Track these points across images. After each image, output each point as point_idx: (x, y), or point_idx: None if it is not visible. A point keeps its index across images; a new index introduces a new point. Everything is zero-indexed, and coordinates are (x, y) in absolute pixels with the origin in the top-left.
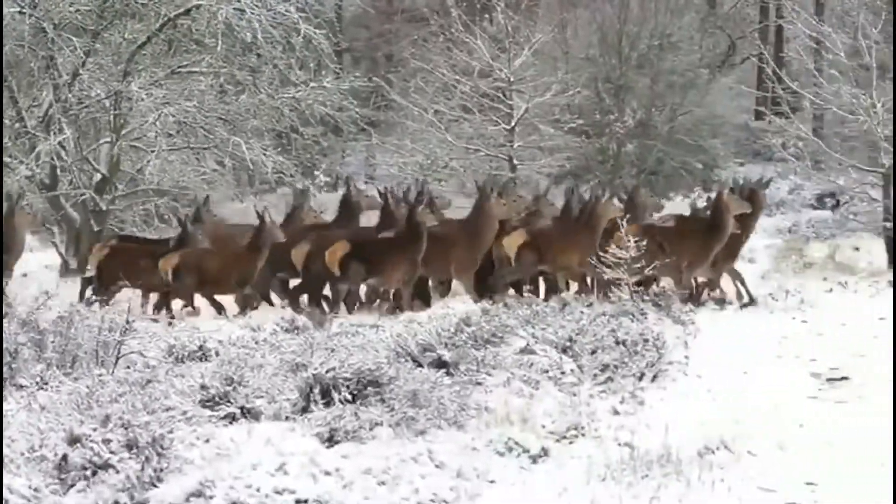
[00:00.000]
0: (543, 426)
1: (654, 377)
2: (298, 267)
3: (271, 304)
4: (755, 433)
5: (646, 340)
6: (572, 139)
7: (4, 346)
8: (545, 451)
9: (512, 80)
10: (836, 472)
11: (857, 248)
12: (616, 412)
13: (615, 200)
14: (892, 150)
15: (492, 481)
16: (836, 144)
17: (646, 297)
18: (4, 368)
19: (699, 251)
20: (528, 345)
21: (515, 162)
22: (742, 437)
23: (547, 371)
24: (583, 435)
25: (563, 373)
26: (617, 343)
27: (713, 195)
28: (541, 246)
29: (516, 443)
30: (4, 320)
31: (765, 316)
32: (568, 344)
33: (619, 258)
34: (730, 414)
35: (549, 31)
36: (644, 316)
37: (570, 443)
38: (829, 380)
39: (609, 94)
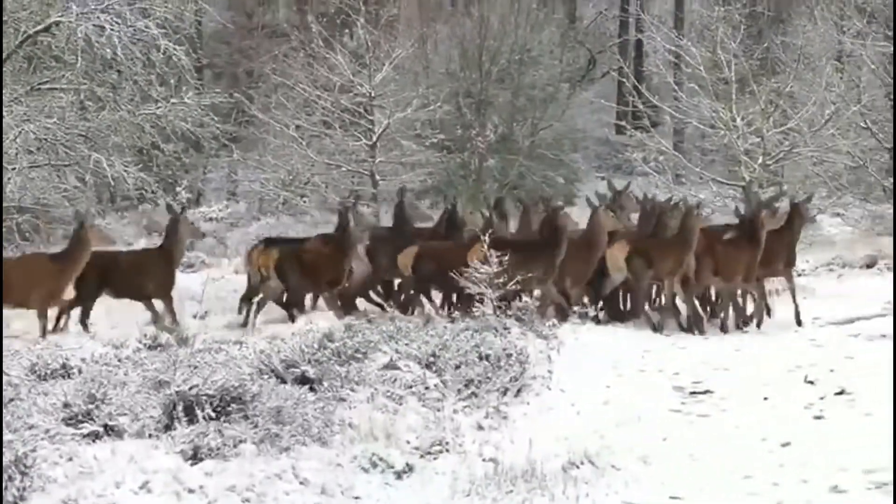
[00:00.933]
0: (408, 442)
1: (518, 392)
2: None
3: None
4: (619, 447)
5: (509, 355)
6: (434, 154)
7: None
8: (410, 467)
9: (373, 95)
10: (700, 485)
11: None
12: (480, 427)
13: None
14: (751, 164)
15: (356, 497)
16: (696, 158)
17: (509, 313)
18: None
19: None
20: (391, 360)
21: (377, 178)
22: (606, 451)
23: (411, 387)
24: (447, 450)
25: (427, 388)
26: (480, 358)
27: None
28: None
29: (381, 458)
30: None
31: (628, 330)
32: (432, 359)
33: (483, 273)
34: (593, 428)
35: (410, 46)
36: (507, 331)
37: (435, 458)
38: (691, 393)
39: (470, 109)
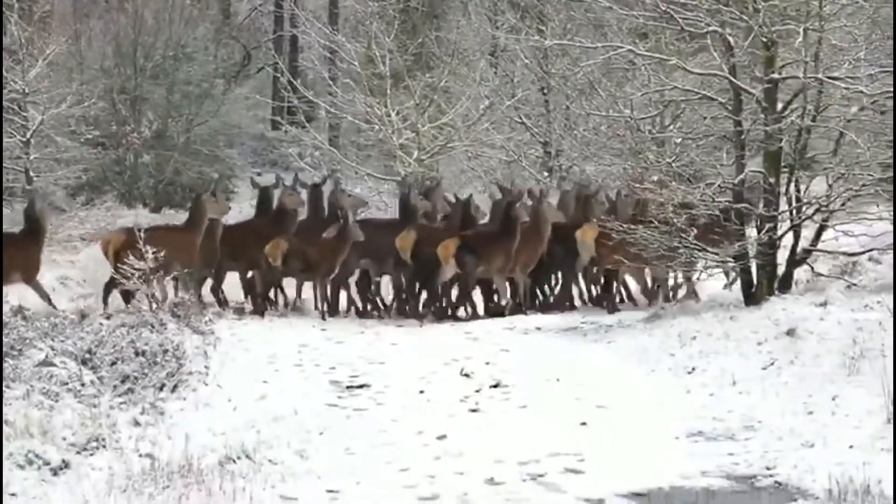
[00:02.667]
0: (64, 438)
1: (175, 388)
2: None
3: None
4: (276, 442)
5: (165, 351)
6: (89, 150)
7: None
8: (66, 464)
9: (26, 91)
10: (357, 478)
11: None
12: (137, 423)
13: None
14: (407, 159)
15: (12, 494)
16: (352, 153)
17: (164, 308)
18: None
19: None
20: (47, 357)
21: (32, 174)
22: (263, 445)
23: (66, 383)
24: (104, 447)
25: (83, 384)
26: (137, 354)
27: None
28: None
29: (36, 455)
30: None
31: (285, 325)
32: (87, 356)
33: (137, 268)
34: (250, 423)
35: (64, 42)
36: (164, 326)
37: (91, 454)
38: (348, 387)
39: (125, 105)
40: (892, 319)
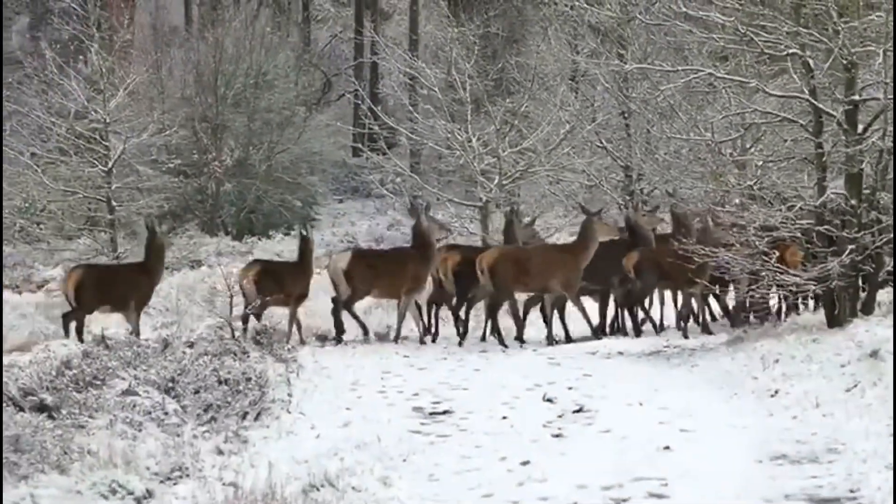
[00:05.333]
0: (147, 468)
1: (258, 416)
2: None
3: None
4: (359, 469)
5: (248, 379)
6: (171, 179)
7: None
8: (149, 493)
9: (108, 120)
10: None
11: None
12: (220, 452)
13: None
14: (488, 184)
15: None
16: (433, 179)
17: (247, 337)
18: None
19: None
20: (130, 386)
21: (114, 203)
22: (346, 473)
23: (150, 412)
24: (187, 475)
25: (165, 413)
26: (220, 382)
27: None
28: None
29: (120, 485)
30: None
31: (368, 352)
32: (170, 384)
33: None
34: (333, 450)
35: (144, 71)
36: (246, 354)
37: (175, 484)
38: (431, 413)
39: (206, 134)
40: None
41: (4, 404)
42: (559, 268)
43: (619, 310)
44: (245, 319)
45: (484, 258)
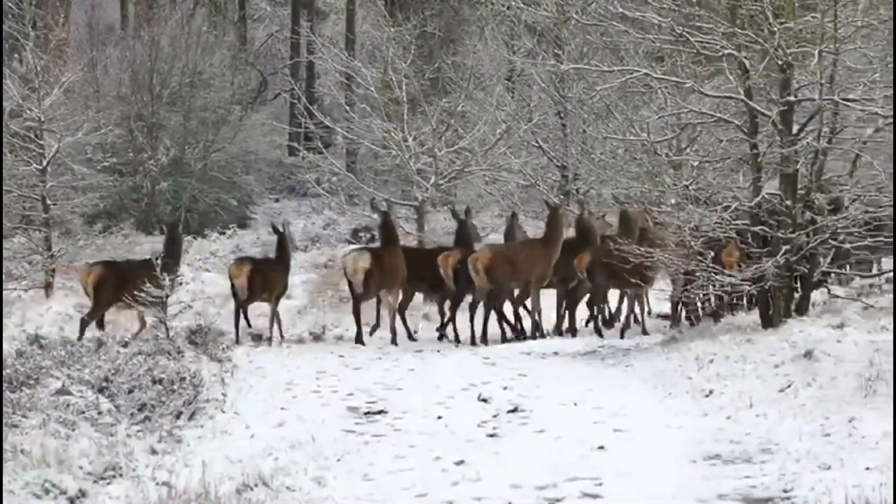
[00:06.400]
0: (81, 467)
1: (192, 415)
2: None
3: None
4: (293, 469)
5: (182, 378)
6: (106, 178)
7: None
8: (83, 493)
9: (43, 119)
10: None
11: None
12: (154, 451)
13: None
14: (424, 184)
15: None
16: (369, 179)
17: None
18: None
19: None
20: (63, 385)
21: (49, 202)
22: (280, 472)
23: (83, 412)
24: (121, 475)
25: (99, 413)
26: (154, 382)
27: None
28: None
29: (53, 485)
30: None
31: (302, 351)
32: (104, 384)
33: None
34: (268, 450)
35: (80, 69)
36: (181, 354)
37: (108, 483)
38: (365, 413)
39: (142, 132)
40: None
41: None
42: (538, 261)
43: (566, 310)
44: (238, 317)
45: (479, 259)
